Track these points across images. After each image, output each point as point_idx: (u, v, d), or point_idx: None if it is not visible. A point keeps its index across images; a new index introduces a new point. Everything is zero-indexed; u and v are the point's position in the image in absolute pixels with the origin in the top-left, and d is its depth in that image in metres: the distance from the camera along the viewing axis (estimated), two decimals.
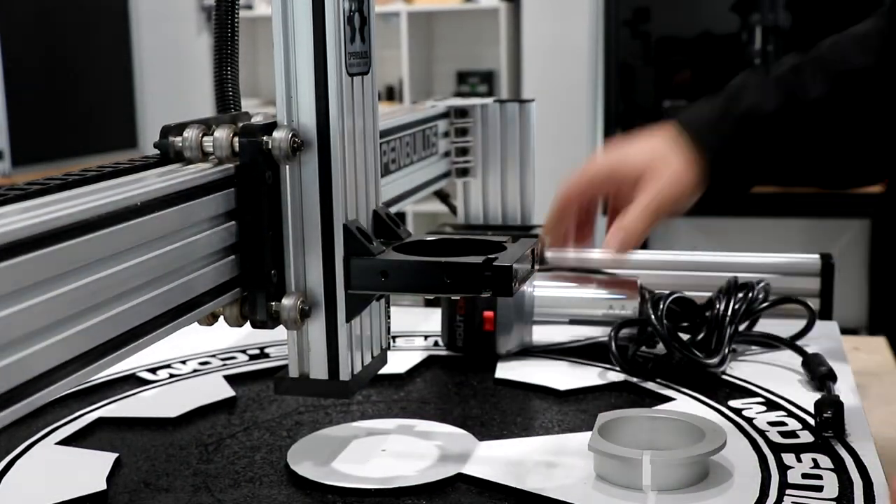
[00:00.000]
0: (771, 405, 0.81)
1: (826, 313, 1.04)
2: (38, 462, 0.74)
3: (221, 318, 0.68)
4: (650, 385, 0.87)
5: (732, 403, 0.82)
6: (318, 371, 0.69)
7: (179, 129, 0.66)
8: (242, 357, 0.96)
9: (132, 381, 0.90)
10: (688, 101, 3.96)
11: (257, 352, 0.98)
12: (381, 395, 0.87)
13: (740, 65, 3.89)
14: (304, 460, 0.72)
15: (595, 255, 1.03)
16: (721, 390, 0.85)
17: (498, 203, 1.18)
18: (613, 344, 0.90)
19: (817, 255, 1.06)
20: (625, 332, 0.92)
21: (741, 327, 0.94)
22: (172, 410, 0.82)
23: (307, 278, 0.68)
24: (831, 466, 0.69)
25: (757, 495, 0.66)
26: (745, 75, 0.86)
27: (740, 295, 0.94)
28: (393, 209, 0.91)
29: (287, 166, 0.66)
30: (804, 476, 0.68)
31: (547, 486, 0.67)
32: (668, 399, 0.84)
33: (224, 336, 1.00)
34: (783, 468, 0.69)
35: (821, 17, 3.63)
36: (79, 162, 4.03)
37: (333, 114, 0.65)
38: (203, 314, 0.64)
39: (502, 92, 4.34)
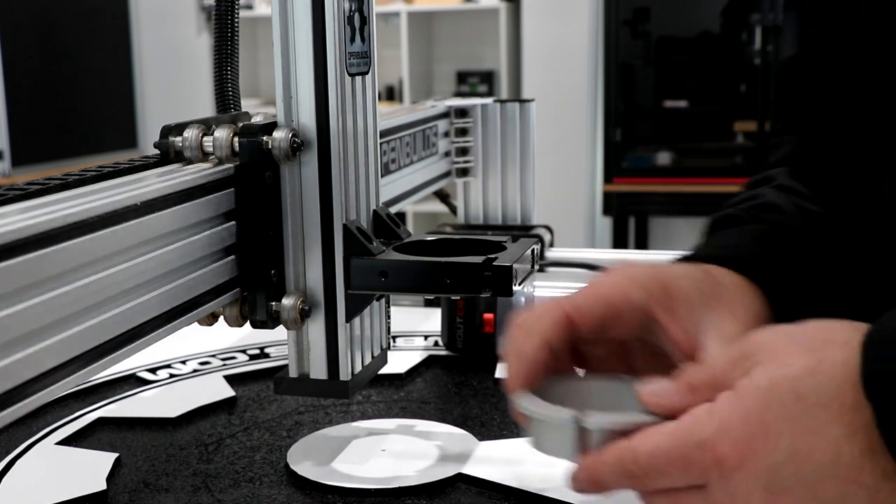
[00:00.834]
0: None
1: None
2: (38, 462, 0.74)
3: (221, 318, 0.68)
4: None
5: None
6: (318, 371, 0.69)
7: (179, 129, 0.66)
8: (242, 357, 0.96)
9: (132, 381, 0.91)
10: (688, 103, 3.97)
11: (257, 352, 0.98)
12: (381, 395, 0.87)
13: (740, 65, 3.90)
14: (304, 460, 0.72)
15: (595, 254, 1.03)
16: None
17: (498, 203, 1.18)
18: None
19: None
20: None
21: None
22: (172, 410, 0.82)
23: (307, 278, 0.68)
24: None
25: None
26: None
27: None
28: (393, 209, 0.91)
29: (287, 166, 0.66)
30: None
31: (547, 486, 0.67)
32: None
33: (224, 336, 1.00)
34: None
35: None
36: (79, 162, 4.03)
37: (333, 114, 0.65)
38: (203, 314, 0.64)
39: (502, 92, 4.34)
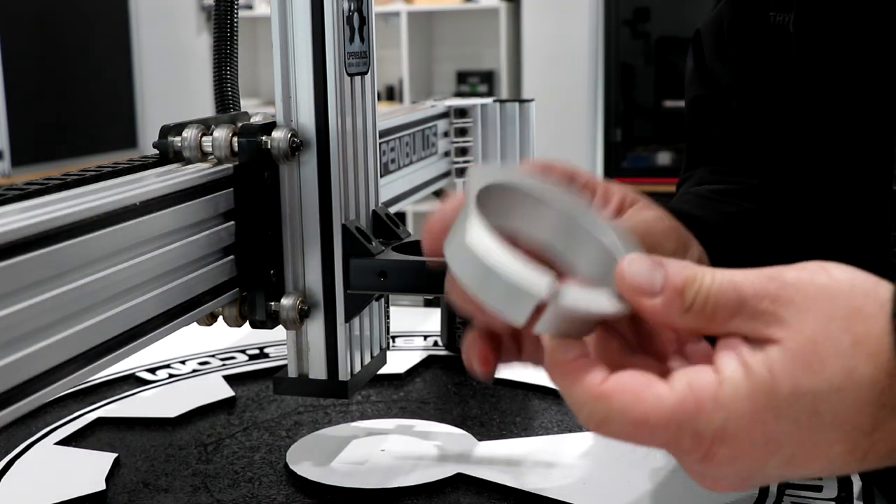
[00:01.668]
0: None
1: None
2: (37, 462, 0.74)
3: (221, 318, 0.68)
4: None
5: None
6: (318, 371, 0.69)
7: (179, 129, 0.66)
8: (242, 357, 0.96)
9: (132, 381, 0.90)
10: None
11: (257, 352, 0.98)
12: (381, 395, 0.87)
13: None
14: (304, 460, 0.72)
15: None
16: None
17: None
18: None
19: None
20: None
21: None
22: (172, 410, 0.82)
23: (306, 278, 0.68)
24: None
25: (757, 495, 0.66)
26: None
27: None
28: (393, 209, 0.91)
29: (286, 166, 0.66)
30: None
31: (546, 487, 0.67)
32: None
33: (223, 336, 1.00)
34: None
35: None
36: (79, 162, 4.03)
37: (332, 114, 0.65)
38: (202, 314, 0.64)
39: (502, 92, 4.34)
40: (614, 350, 0.46)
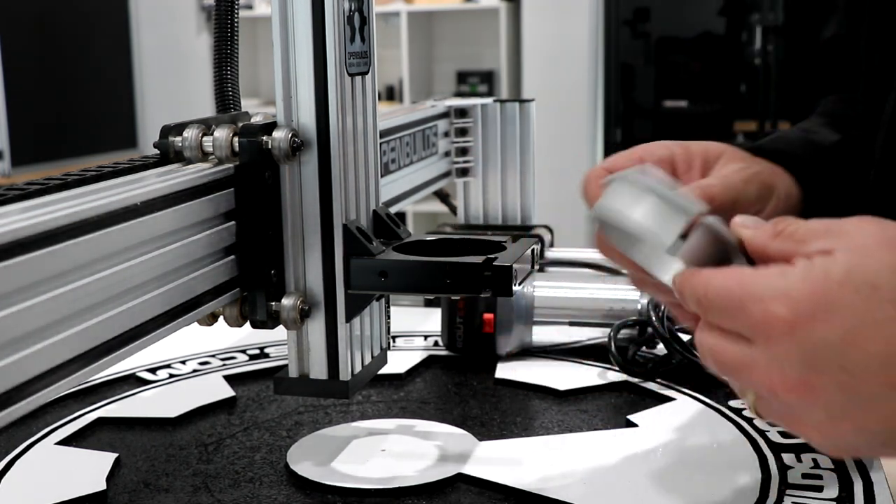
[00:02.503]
0: None
1: None
2: (37, 462, 0.74)
3: (221, 318, 0.68)
4: (650, 385, 0.87)
5: (733, 403, 0.82)
6: (318, 371, 0.69)
7: (179, 129, 0.66)
8: (242, 357, 0.96)
9: (132, 381, 0.90)
10: (688, 103, 3.97)
11: (257, 352, 0.98)
12: (381, 395, 0.87)
13: (740, 65, 3.90)
14: (304, 460, 0.72)
15: (595, 254, 1.03)
16: (721, 390, 0.85)
17: (498, 203, 1.18)
18: (613, 344, 0.90)
19: None
20: (624, 332, 0.92)
21: None
22: (172, 410, 0.82)
23: (307, 278, 0.68)
24: (831, 466, 0.69)
25: (757, 495, 0.66)
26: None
27: None
28: (393, 209, 0.91)
29: (287, 166, 0.66)
30: (804, 476, 0.68)
31: (547, 487, 0.67)
32: (669, 399, 0.84)
33: (224, 336, 1.00)
34: (783, 468, 0.69)
35: (819, 17, 3.63)
36: (79, 162, 4.04)
37: (333, 114, 0.65)
38: (203, 314, 0.64)
39: (502, 92, 4.34)
40: None
